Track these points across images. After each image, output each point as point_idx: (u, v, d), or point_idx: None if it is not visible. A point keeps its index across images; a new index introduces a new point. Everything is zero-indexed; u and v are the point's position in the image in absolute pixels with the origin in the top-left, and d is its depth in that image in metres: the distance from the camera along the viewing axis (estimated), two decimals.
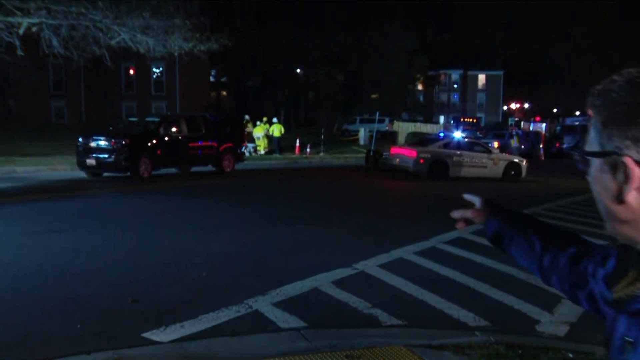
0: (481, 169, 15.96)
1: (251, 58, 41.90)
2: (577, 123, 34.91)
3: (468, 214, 1.22)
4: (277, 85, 43.99)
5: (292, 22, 40.62)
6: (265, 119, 26.51)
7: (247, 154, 20.98)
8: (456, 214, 1.25)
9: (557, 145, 32.60)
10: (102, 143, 13.47)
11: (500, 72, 68.35)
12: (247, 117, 26.75)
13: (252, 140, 25.32)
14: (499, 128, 39.81)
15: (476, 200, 1.25)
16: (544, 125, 39.49)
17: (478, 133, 33.64)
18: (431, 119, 54.92)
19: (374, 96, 48.37)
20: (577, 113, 48.05)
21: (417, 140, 18.66)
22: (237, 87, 47.63)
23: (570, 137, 32.35)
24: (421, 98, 66.50)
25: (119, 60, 27.24)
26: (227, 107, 48.03)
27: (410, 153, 15.67)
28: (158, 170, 14.49)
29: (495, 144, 24.23)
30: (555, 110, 62.56)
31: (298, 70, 46.87)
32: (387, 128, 34.39)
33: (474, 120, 45.01)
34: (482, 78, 70.07)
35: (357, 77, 45.07)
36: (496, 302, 4.93)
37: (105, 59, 17.26)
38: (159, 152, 14.15)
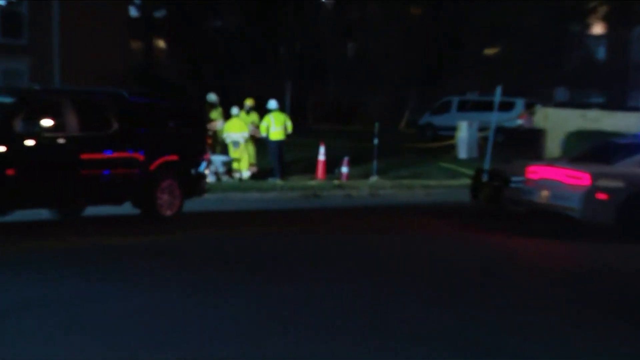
0: None
1: None
2: None
3: None
4: (276, 30, 44.42)
5: None
6: (249, 102, 26.59)
7: (210, 179, 20.88)
8: None
9: None
10: None
11: None
12: (212, 97, 27.13)
13: (224, 149, 25.28)
14: None
15: None
16: None
17: None
18: (623, 102, 54.49)
19: (489, 52, 48.43)
20: None
21: (592, 149, 18.74)
22: (191, 33, 48.09)
23: None
24: (599, 55, 65.74)
25: None
26: (169, 75, 48.46)
27: (576, 179, 15.79)
28: (9, 214, 14.70)
29: None
30: None
31: None
32: (520, 122, 35.18)
33: None
34: None
35: (452, 14, 45.23)
36: None
37: None
38: (10, 172, 14.33)
